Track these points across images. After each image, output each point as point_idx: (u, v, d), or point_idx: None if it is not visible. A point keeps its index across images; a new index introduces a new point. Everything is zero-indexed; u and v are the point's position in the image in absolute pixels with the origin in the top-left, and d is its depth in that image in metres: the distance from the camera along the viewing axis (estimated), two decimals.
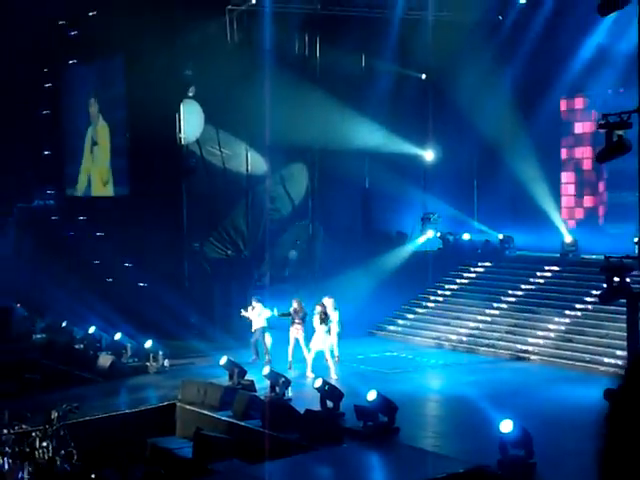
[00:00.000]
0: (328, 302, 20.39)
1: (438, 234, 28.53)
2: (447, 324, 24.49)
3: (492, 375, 20.26)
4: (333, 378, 18.98)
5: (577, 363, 20.50)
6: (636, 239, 19.80)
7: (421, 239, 28.74)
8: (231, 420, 16.77)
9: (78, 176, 32.28)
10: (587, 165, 28.21)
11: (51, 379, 21.54)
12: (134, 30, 25.47)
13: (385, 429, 15.27)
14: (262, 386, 18.23)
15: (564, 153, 28.70)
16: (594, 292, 22.56)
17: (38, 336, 25.47)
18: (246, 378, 18.85)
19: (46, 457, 14.14)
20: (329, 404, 16.33)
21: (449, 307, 25.42)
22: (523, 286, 24.79)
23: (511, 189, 27.60)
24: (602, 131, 16.48)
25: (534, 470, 12.94)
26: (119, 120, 29.84)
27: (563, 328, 22.27)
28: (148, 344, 21.59)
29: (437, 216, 28.79)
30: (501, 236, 27.07)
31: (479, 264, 26.84)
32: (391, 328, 25.52)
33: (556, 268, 24.92)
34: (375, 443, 14.87)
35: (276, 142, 26.20)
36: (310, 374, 19.36)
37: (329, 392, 16.46)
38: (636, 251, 19.12)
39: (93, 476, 13.52)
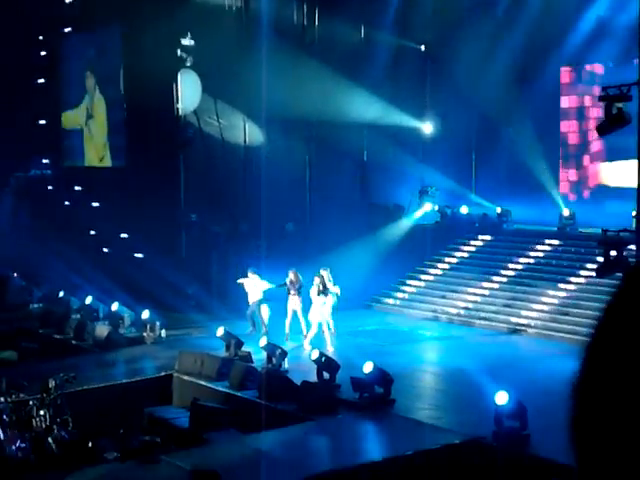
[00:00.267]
0: (324, 274, 20.41)
1: (436, 207, 28.50)
2: (444, 297, 24.54)
3: (488, 348, 20.34)
4: (329, 350, 19.03)
5: (573, 336, 20.53)
6: (634, 212, 19.78)
7: (419, 212, 28.71)
8: (227, 391, 16.84)
9: (75, 147, 32.20)
10: (572, 139, 28.27)
11: (48, 349, 21.59)
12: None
13: (381, 401, 15.34)
14: (259, 357, 18.29)
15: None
16: (591, 265, 22.63)
17: (35, 306, 25.47)
18: (243, 349, 18.90)
19: (43, 426, 14.19)
20: (325, 376, 16.40)
21: (446, 280, 25.45)
22: (520, 259, 24.82)
23: (509, 162, 27.54)
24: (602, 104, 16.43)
25: (528, 441, 13.02)
26: (116, 92, 29.70)
27: (559, 301, 22.32)
28: (145, 314, 21.61)
29: (435, 189, 28.75)
30: (499, 209, 27.04)
31: (476, 237, 26.84)
32: (388, 301, 25.56)
33: (554, 242, 24.93)
34: (371, 414, 14.94)
35: (274, 113, 26.06)
36: (307, 346, 19.41)
37: (326, 364, 16.52)
38: (633, 225, 19.11)
39: (90, 445, 13.57)
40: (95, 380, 17.69)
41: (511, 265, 24.71)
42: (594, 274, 20.09)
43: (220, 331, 19.38)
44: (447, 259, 26.45)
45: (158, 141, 27.19)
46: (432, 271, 26.17)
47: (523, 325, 21.91)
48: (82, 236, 30.12)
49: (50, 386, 15.01)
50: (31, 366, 19.73)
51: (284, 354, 17.66)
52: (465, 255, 26.37)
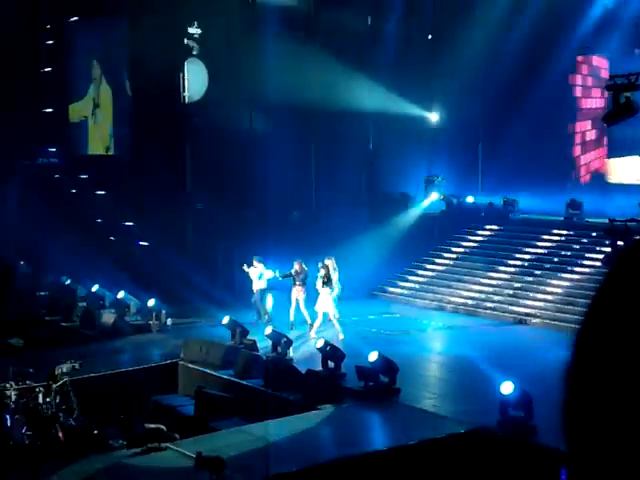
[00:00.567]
0: (329, 262, 20.41)
1: (442, 196, 28.45)
2: (449, 287, 24.52)
3: (494, 337, 20.34)
4: (340, 338, 19.07)
5: (578, 326, 20.48)
6: None
7: (425, 202, 28.68)
8: (233, 379, 16.86)
9: (81, 135, 32.22)
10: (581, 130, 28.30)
11: (54, 336, 21.64)
12: None
13: (386, 390, 15.35)
14: (264, 346, 18.30)
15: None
16: (598, 256, 22.61)
17: (42, 293, 25.52)
18: (248, 338, 18.92)
19: (50, 413, 14.23)
20: (330, 364, 16.41)
21: (452, 270, 25.44)
22: (526, 249, 24.77)
23: (516, 152, 27.46)
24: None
25: (534, 431, 13.01)
26: (122, 81, 29.68)
27: (565, 291, 22.29)
28: (151, 303, 21.64)
29: (441, 178, 28.71)
30: (505, 199, 26.98)
31: (482, 227, 26.80)
32: (393, 290, 25.55)
33: (560, 231, 24.88)
34: (376, 403, 14.95)
35: (280, 101, 26.03)
36: (313, 335, 19.42)
37: (331, 352, 16.53)
38: None
39: (96, 432, 13.61)
40: (101, 367, 17.73)
41: (517, 255, 24.67)
42: (600, 264, 20.07)
43: (225, 319, 19.40)
44: (453, 249, 26.43)
45: (164, 130, 27.17)
46: (438, 260, 26.15)
47: (529, 315, 21.89)
48: (89, 224, 30.13)
49: (56, 373, 15.05)
50: (37, 353, 19.77)
51: (289, 343, 17.68)
52: (471, 245, 26.34)
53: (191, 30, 25.67)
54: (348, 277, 21.02)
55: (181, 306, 23.07)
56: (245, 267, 21.71)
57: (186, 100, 26.24)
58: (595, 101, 28.12)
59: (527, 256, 24.51)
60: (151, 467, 12.42)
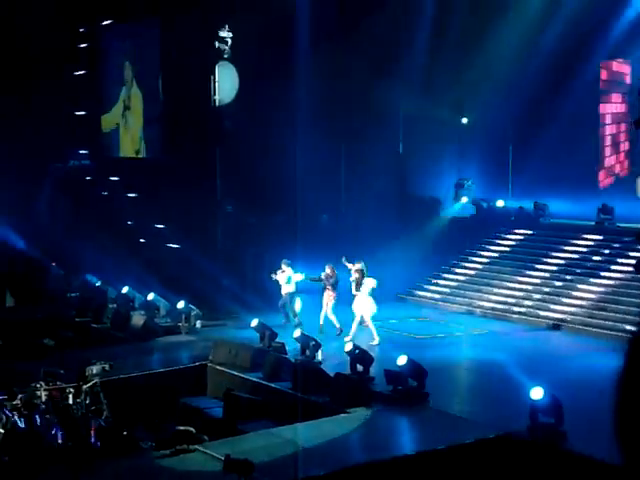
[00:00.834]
0: (358, 266, 20.40)
1: (471, 200, 28.34)
2: (479, 291, 24.41)
3: (523, 342, 20.22)
4: (373, 343, 19.04)
5: (610, 332, 20.35)
6: None
7: (455, 205, 28.59)
8: (261, 381, 16.89)
9: (111, 138, 32.47)
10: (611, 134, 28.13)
11: (85, 337, 21.79)
12: None
13: (415, 394, 15.30)
14: (292, 349, 18.31)
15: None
16: (629, 261, 22.40)
17: (72, 295, 25.71)
18: (277, 340, 18.94)
19: (80, 414, 14.33)
20: (359, 368, 16.39)
21: (481, 274, 25.32)
22: (557, 254, 24.60)
23: (547, 155, 27.27)
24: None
25: (564, 437, 12.91)
26: (153, 84, 29.87)
27: (597, 297, 22.09)
28: (180, 305, 21.73)
29: (471, 182, 28.60)
30: (536, 203, 26.81)
31: (512, 232, 26.66)
32: (422, 294, 25.48)
33: (591, 236, 24.68)
34: (404, 408, 14.90)
35: (310, 104, 26.05)
36: (375, 342, 19.34)
37: (359, 356, 16.51)
38: None
39: (125, 433, 13.68)
40: (131, 369, 17.82)
41: (548, 259, 24.50)
42: (632, 269, 19.89)
43: (254, 322, 19.45)
44: (483, 253, 26.31)
45: (195, 133, 27.30)
46: (467, 264, 26.04)
47: (559, 320, 21.72)
48: (119, 226, 30.34)
49: (87, 374, 15.13)
50: (68, 354, 19.92)
51: (318, 346, 17.67)
52: (501, 249, 26.21)
53: (222, 33, 25.77)
54: (377, 280, 20.95)
55: (210, 308, 23.15)
56: (273, 275, 21.58)
57: (217, 103, 26.33)
58: (616, 106, 27.99)
59: (558, 261, 24.34)
60: (180, 469, 12.47)
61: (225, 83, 26.17)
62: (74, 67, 33.52)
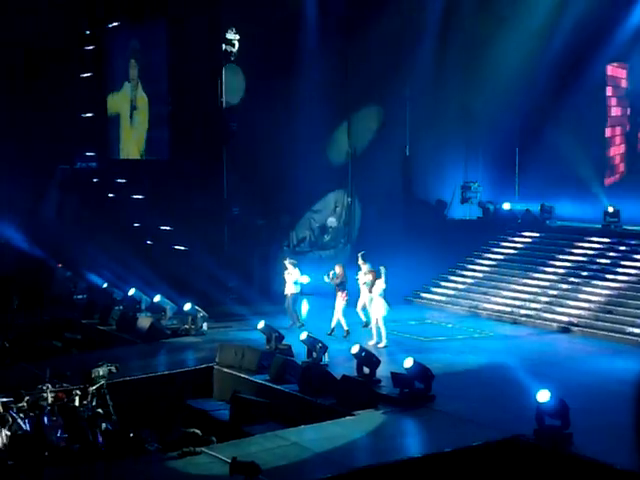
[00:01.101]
0: (364, 267, 20.39)
1: (478, 203, 28.34)
2: (485, 293, 24.39)
3: (530, 345, 20.18)
4: (380, 346, 19.01)
5: (616, 335, 20.33)
6: None
7: (461, 208, 28.58)
8: (267, 384, 16.88)
9: (119, 140, 32.51)
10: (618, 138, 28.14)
11: (91, 339, 21.83)
12: None
13: (421, 396, 15.29)
14: (299, 351, 18.31)
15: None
16: (636, 264, 22.38)
17: (79, 297, 25.76)
18: (283, 343, 18.95)
19: (86, 416, 14.34)
20: (365, 370, 16.38)
21: (487, 276, 25.29)
22: (563, 257, 24.56)
23: (554, 158, 27.24)
24: None
25: (570, 440, 12.88)
26: (160, 85, 29.90)
27: (603, 299, 22.04)
28: (187, 307, 21.73)
29: (477, 185, 28.58)
30: (542, 206, 26.79)
31: (519, 234, 26.63)
32: (428, 296, 25.46)
33: (598, 239, 24.64)
34: (411, 410, 14.89)
35: (317, 107, 26.08)
36: (373, 343, 19.31)
37: (366, 358, 16.50)
38: None
39: (131, 435, 13.69)
40: (137, 371, 17.84)
41: (554, 262, 24.46)
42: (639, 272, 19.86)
43: (261, 324, 19.45)
44: (489, 255, 26.28)
45: (202, 134, 27.33)
46: (474, 267, 26.01)
47: (566, 323, 21.68)
48: (126, 228, 30.39)
49: (93, 376, 15.16)
50: (74, 356, 19.97)
51: (324, 348, 17.66)
52: (507, 251, 26.17)
53: (229, 36, 25.79)
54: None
55: (217, 310, 23.17)
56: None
57: (223, 105, 26.35)
58: (615, 109, 28.03)
59: (564, 263, 24.29)
60: (186, 471, 12.46)
61: (232, 85, 26.19)
62: (81, 69, 33.59)
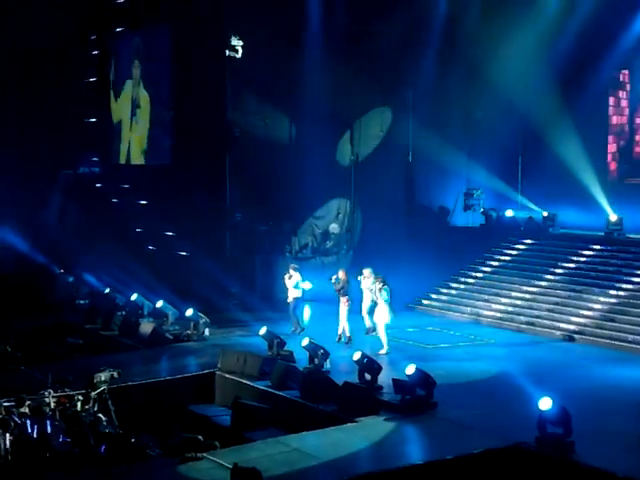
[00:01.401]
0: (367, 272, 20.40)
1: (481, 210, 28.35)
2: (487, 300, 24.38)
3: (531, 353, 20.16)
4: (381, 352, 19.00)
5: (619, 343, 20.31)
6: None
7: (463, 215, 28.60)
8: (269, 390, 16.88)
9: (121, 144, 32.54)
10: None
11: (93, 344, 21.83)
12: None
13: (423, 403, 15.28)
14: (301, 357, 18.30)
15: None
16: (638, 272, 22.37)
17: (81, 302, 25.77)
18: (285, 349, 18.95)
19: (88, 421, 14.34)
20: (367, 377, 16.37)
21: (489, 284, 25.28)
22: (565, 264, 24.56)
23: (556, 166, 27.25)
24: None
25: (572, 448, 12.86)
26: (163, 90, 29.92)
27: (605, 307, 22.03)
28: (189, 312, 21.75)
29: (480, 192, 28.60)
30: (545, 213, 26.80)
31: (521, 241, 26.63)
32: (430, 303, 25.45)
33: (600, 247, 24.63)
34: (413, 417, 14.88)
35: (320, 113, 26.13)
36: (383, 350, 19.31)
37: (367, 365, 16.49)
38: None
39: (133, 441, 13.68)
40: (139, 376, 17.83)
41: (556, 270, 24.45)
42: None
43: (263, 330, 19.45)
44: (491, 262, 26.28)
45: (204, 140, 27.36)
46: (476, 274, 26.00)
47: (568, 330, 21.66)
48: (128, 233, 30.41)
49: (95, 381, 15.16)
50: (76, 361, 19.97)
51: (326, 354, 17.66)
52: (509, 259, 26.18)
53: (233, 42, 25.85)
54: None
55: (219, 316, 23.17)
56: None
57: (227, 111, 26.40)
58: (619, 118, 28.08)
59: (567, 271, 24.29)
60: (187, 477, 12.46)
61: None
62: (85, 74, 33.63)
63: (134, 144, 31.80)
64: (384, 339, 19.43)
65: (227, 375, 18.10)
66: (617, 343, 20.33)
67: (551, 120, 27.08)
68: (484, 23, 27.21)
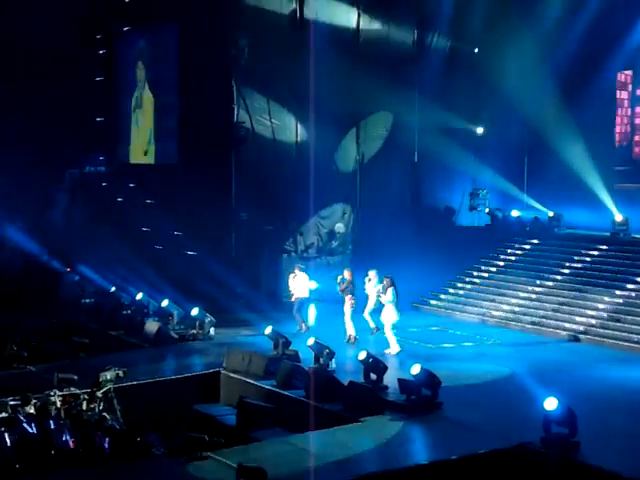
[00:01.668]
0: (372, 273, 20.40)
1: (486, 210, 28.33)
2: (492, 300, 24.36)
3: (537, 353, 20.15)
4: (387, 352, 18.98)
5: (624, 343, 20.29)
6: None
7: (469, 215, 28.57)
8: (274, 389, 16.89)
9: (127, 143, 32.56)
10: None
11: (98, 343, 21.85)
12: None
13: (428, 403, 15.27)
14: (306, 357, 18.31)
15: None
16: None
17: (87, 301, 25.78)
18: (290, 348, 18.95)
19: (93, 420, 14.37)
20: (372, 377, 16.37)
21: (495, 283, 25.26)
22: (571, 264, 24.53)
23: (562, 166, 27.22)
24: None
25: (578, 448, 12.85)
26: (169, 90, 29.91)
27: (611, 308, 22.01)
28: (194, 312, 21.76)
29: (486, 192, 28.58)
30: (551, 213, 26.76)
31: (527, 241, 26.60)
32: (436, 303, 25.44)
33: (606, 247, 24.60)
34: (418, 417, 14.87)
35: (326, 114, 26.10)
36: (392, 350, 19.28)
37: (373, 365, 16.49)
38: None
39: (138, 440, 13.71)
40: (144, 375, 17.85)
41: (562, 270, 24.43)
42: None
43: (268, 330, 19.46)
44: (497, 262, 26.26)
45: (211, 140, 27.36)
46: (481, 274, 25.98)
47: (573, 331, 21.63)
48: (135, 233, 30.41)
49: (100, 380, 15.19)
50: (82, 360, 19.99)
51: (331, 354, 17.67)
52: (514, 259, 26.15)
53: (239, 42, 25.84)
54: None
55: (224, 315, 23.18)
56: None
57: (234, 110, 26.39)
58: (623, 117, 28.02)
59: (572, 271, 24.25)
60: (192, 476, 12.47)
61: None
62: (91, 73, 33.63)
63: (140, 144, 31.82)
64: (392, 339, 19.41)
65: (232, 374, 18.10)
66: (623, 343, 20.30)
67: (556, 120, 27.05)
68: (489, 23, 27.19)
